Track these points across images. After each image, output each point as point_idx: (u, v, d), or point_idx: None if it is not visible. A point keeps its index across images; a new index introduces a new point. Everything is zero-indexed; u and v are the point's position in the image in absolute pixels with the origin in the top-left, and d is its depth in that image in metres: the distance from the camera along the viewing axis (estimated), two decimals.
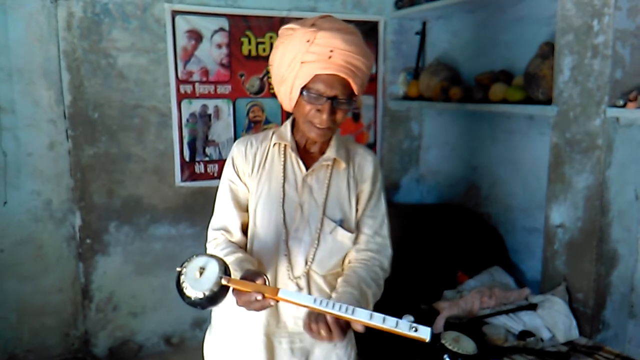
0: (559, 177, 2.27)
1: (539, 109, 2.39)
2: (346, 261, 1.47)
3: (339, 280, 1.39)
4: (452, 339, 1.77)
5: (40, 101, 2.69)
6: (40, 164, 2.74)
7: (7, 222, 2.71)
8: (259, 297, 1.12)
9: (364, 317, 1.07)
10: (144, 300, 3.02)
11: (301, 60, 1.30)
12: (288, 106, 1.41)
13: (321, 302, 1.11)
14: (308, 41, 1.29)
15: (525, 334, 2.07)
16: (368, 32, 3.31)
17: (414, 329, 1.04)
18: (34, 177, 2.73)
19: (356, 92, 1.34)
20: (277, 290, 1.13)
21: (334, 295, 1.35)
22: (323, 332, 1.14)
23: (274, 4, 3.04)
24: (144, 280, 3.00)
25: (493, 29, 2.94)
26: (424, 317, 2.21)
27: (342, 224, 1.43)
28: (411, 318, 1.05)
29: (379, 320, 1.06)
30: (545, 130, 2.58)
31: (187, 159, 2.99)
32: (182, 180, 3.00)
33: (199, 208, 3.05)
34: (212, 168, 3.05)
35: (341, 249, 1.44)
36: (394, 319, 1.06)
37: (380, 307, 1.62)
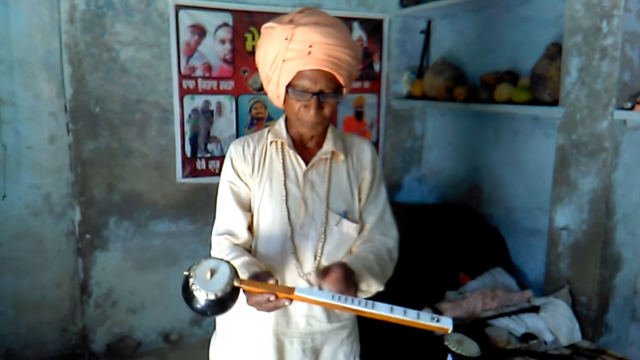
0: (564, 179, 2.26)
1: (545, 110, 2.37)
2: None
3: None
4: (455, 341, 1.76)
5: (41, 94, 2.66)
6: (40, 158, 2.71)
7: (6, 216, 2.68)
8: (272, 298, 1.10)
9: (384, 311, 1.07)
10: (143, 297, 3.00)
11: (282, 58, 1.30)
12: (278, 103, 1.41)
13: (339, 298, 1.09)
14: (286, 39, 1.29)
15: (528, 337, 2.07)
16: (372, 30, 3.29)
17: (435, 319, 1.04)
18: (34, 170, 2.70)
19: (342, 84, 1.34)
20: (292, 289, 1.11)
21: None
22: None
23: (278, 0, 3.02)
24: (143, 276, 2.98)
25: (499, 29, 2.93)
26: None
27: (346, 215, 1.43)
28: (430, 311, 1.05)
29: (400, 313, 1.06)
30: (550, 132, 2.57)
31: (188, 155, 2.97)
32: (183, 176, 2.97)
33: (200, 204, 3.03)
34: (214, 164, 3.03)
35: (348, 241, 1.44)
36: (415, 311, 1.06)
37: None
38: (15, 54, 2.59)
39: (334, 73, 1.30)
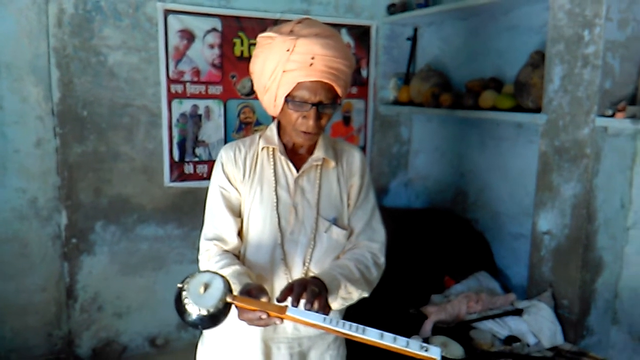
0: (547, 184, 2.30)
1: (528, 117, 2.42)
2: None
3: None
4: (440, 344, 1.78)
5: (28, 98, 2.65)
6: (27, 162, 2.69)
7: None
8: (264, 316, 1.10)
9: (374, 337, 1.07)
10: (129, 301, 2.99)
11: (283, 69, 1.30)
12: (273, 112, 1.41)
13: (331, 320, 1.09)
14: (288, 50, 1.29)
15: (511, 339, 2.10)
16: (360, 36, 3.33)
17: (424, 349, 1.05)
18: (20, 174, 2.69)
19: (340, 95, 1.35)
20: (284, 308, 1.11)
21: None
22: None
23: (267, 6, 3.04)
24: (130, 280, 2.97)
25: (484, 37, 2.97)
26: (412, 322, 2.23)
27: (336, 222, 1.44)
28: (420, 340, 1.06)
29: (389, 340, 1.07)
30: (534, 138, 2.61)
31: (176, 159, 2.97)
32: (171, 180, 2.98)
33: (188, 209, 3.04)
34: (202, 169, 3.03)
35: (337, 247, 1.44)
36: (405, 339, 1.07)
37: (369, 311, 1.63)
38: (2, 58, 2.58)
39: (333, 84, 1.31)
